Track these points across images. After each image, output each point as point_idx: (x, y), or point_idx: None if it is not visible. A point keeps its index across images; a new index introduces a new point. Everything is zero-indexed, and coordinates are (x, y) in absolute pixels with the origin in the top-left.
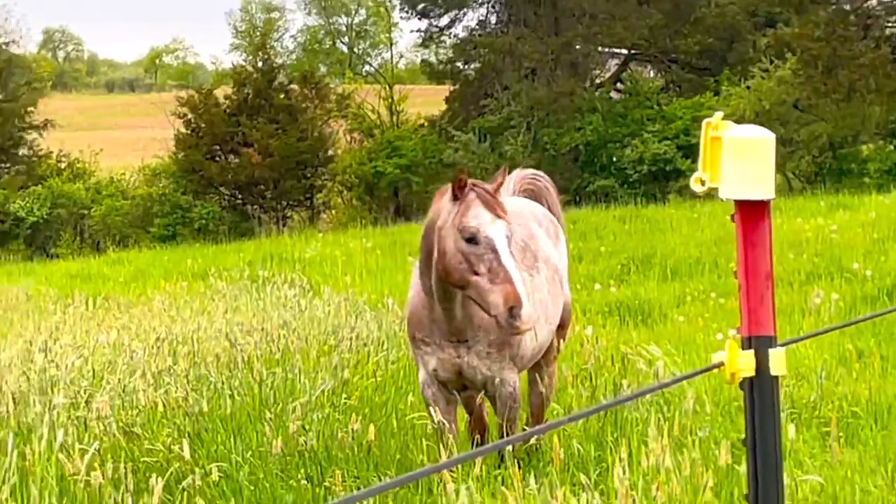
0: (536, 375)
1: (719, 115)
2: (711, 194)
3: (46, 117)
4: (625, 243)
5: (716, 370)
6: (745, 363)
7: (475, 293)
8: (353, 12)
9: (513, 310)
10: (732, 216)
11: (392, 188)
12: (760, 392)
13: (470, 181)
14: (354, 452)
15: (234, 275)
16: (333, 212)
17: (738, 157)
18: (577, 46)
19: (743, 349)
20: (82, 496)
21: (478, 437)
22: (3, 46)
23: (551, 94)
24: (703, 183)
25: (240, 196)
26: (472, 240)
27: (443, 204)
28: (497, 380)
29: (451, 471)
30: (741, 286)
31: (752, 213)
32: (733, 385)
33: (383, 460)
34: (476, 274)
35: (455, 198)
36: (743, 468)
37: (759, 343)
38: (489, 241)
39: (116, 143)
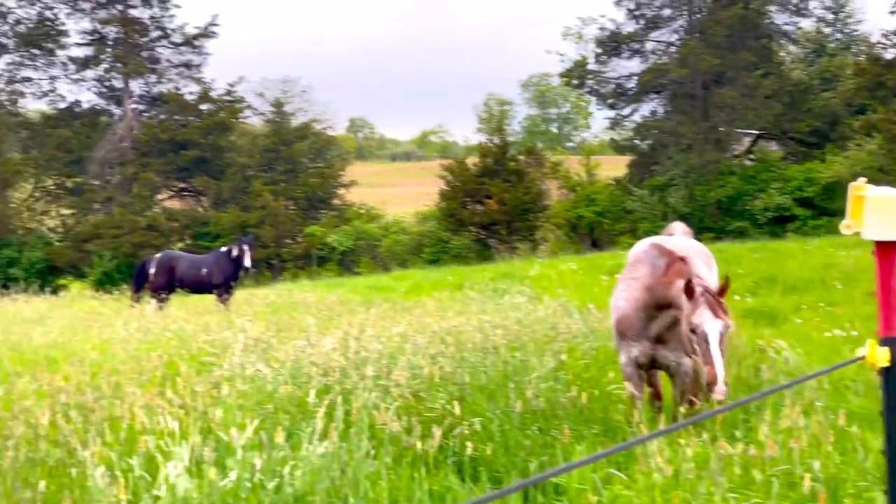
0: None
1: (863, 180)
2: (819, 234)
3: (351, 178)
4: (756, 267)
5: (857, 362)
6: (882, 356)
7: (694, 364)
8: (561, 105)
9: (710, 385)
10: (872, 252)
11: (589, 227)
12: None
13: (698, 288)
14: (571, 412)
15: (481, 287)
16: (548, 244)
17: (878, 209)
18: (721, 128)
19: (880, 346)
20: (387, 439)
21: (657, 402)
22: (323, 130)
23: (702, 161)
24: (850, 227)
25: (483, 232)
26: (694, 331)
27: (677, 293)
28: (677, 363)
29: (642, 425)
30: (880, 300)
31: (886, 249)
32: (871, 372)
33: (591, 418)
34: (695, 353)
35: (689, 297)
36: (855, 429)
37: (893, 342)
38: (705, 335)
39: (398, 196)
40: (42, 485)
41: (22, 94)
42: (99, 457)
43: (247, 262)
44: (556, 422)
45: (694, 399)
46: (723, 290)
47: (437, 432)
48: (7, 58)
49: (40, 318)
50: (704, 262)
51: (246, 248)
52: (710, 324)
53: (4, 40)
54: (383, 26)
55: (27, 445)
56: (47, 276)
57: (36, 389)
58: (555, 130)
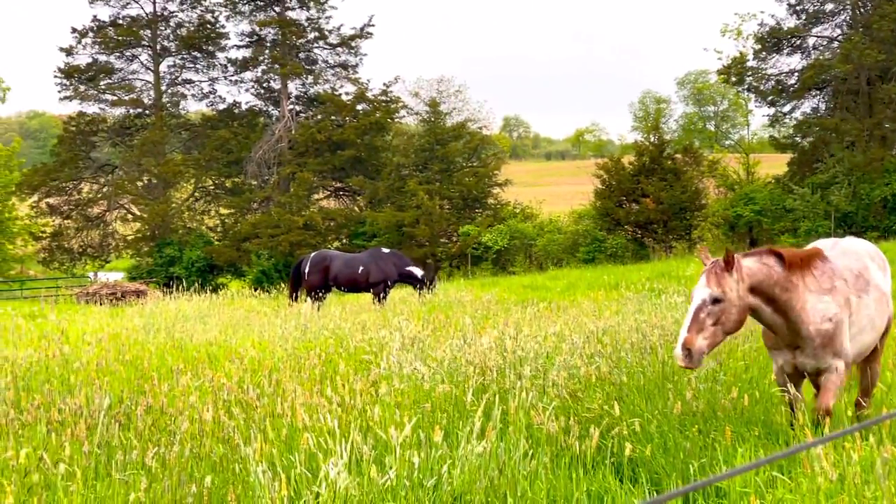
0: (866, 368)
1: None
2: None
3: (506, 177)
4: None
5: None
6: None
7: None
8: (719, 103)
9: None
10: None
11: (748, 226)
12: None
13: (711, 259)
14: (731, 413)
15: (637, 286)
16: (705, 243)
17: None
18: (886, 125)
19: None
20: (544, 439)
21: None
22: (479, 129)
23: (866, 159)
24: None
25: (639, 231)
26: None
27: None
28: (823, 367)
29: (806, 429)
30: None
31: None
32: None
33: (752, 419)
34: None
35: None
36: None
37: None
38: (692, 297)
39: (553, 195)
40: (208, 480)
41: (183, 97)
42: (261, 453)
43: (418, 274)
44: (716, 423)
45: (861, 402)
46: (728, 262)
47: (595, 433)
48: (169, 60)
49: (201, 316)
50: (879, 266)
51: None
52: (696, 290)
53: (167, 43)
54: (540, 25)
55: (192, 441)
56: (207, 274)
57: (199, 386)
58: (712, 128)
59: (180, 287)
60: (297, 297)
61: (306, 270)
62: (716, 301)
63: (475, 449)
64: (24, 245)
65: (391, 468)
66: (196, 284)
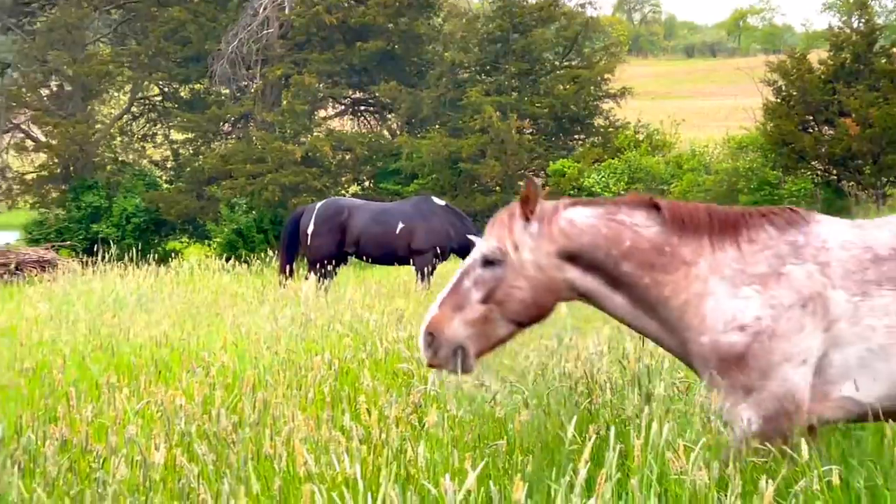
0: None
1: None
2: None
3: (623, 84)
4: None
5: None
6: None
7: None
8: None
9: None
10: None
11: None
12: None
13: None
14: None
15: None
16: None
17: None
18: None
19: None
20: (686, 497)
21: None
22: (579, 8)
23: None
24: None
25: (834, 171)
26: None
27: None
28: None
29: None
30: None
31: None
32: None
33: None
34: None
35: None
36: None
37: None
38: None
39: (697, 113)
40: None
41: None
42: None
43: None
44: None
45: None
46: (525, 202)
47: (769, 488)
48: None
49: (142, 302)
50: None
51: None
52: (472, 251)
53: None
54: None
55: (132, 495)
56: (150, 235)
57: (141, 411)
58: None
59: (108, 255)
60: (292, 272)
61: (310, 229)
62: (488, 263)
63: None
64: None
65: None
66: (133, 251)
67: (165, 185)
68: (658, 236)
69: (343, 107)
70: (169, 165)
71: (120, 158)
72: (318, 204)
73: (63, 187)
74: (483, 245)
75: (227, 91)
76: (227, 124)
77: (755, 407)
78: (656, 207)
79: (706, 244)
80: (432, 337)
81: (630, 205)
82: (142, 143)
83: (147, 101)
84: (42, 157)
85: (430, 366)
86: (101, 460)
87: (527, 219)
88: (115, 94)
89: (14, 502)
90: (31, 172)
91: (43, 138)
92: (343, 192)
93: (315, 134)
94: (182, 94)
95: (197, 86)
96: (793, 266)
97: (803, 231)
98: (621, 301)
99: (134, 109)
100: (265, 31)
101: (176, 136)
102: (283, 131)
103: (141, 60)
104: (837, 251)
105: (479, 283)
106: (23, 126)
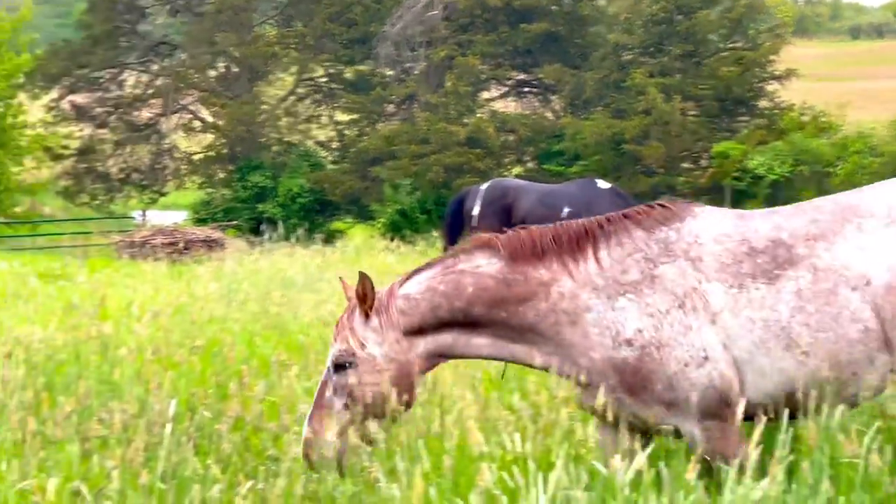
0: None
1: None
2: None
3: (787, 66)
4: None
5: None
6: None
7: None
8: None
9: None
10: None
11: None
12: None
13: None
14: None
15: None
16: None
17: None
18: None
19: None
20: (859, 479)
21: None
22: None
23: None
24: None
25: None
26: None
27: None
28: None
29: None
30: None
31: None
32: None
33: None
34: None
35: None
36: None
37: None
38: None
39: (863, 95)
40: None
41: None
42: (414, 494)
43: None
44: None
45: None
46: (362, 299)
47: None
48: None
49: (309, 282)
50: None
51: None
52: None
53: None
54: None
55: (304, 472)
56: (316, 215)
57: (310, 389)
58: None
59: (274, 235)
60: None
61: (475, 211)
62: (341, 367)
63: (751, 493)
64: (37, 167)
65: None
66: (300, 231)
67: (330, 166)
68: (503, 270)
69: (506, 88)
70: (333, 146)
71: (285, 139)
72: (484, 186)
73: (230, 167)
74: (332, 351)
75: (392, 73)
76: (391, 105)
77: (684, 416)
78: (489, 247)
79: (564, 261)
80: (309, 459)
81: (469, 251)
82: (307, 124)
83: (312, 83)
84: (209, 137)
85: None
86: (275, 438)
87: (367, 315)
88: (281, 75)
89: (189, 478)
90: (199, 153)
91: (210, 119)
92: (506, 173)
93: (478, 115)
94: (347, 75)
95: (361, 67)
96: (665, 266)
97: (675, 227)
98: (483, 341)
99: (300, 90)
100: (430, 13)
101: (340, 117)
102: (447, 113)
103: (307, 42)
104: (710, 245)
105: (338, 391)
106: (190, 107)
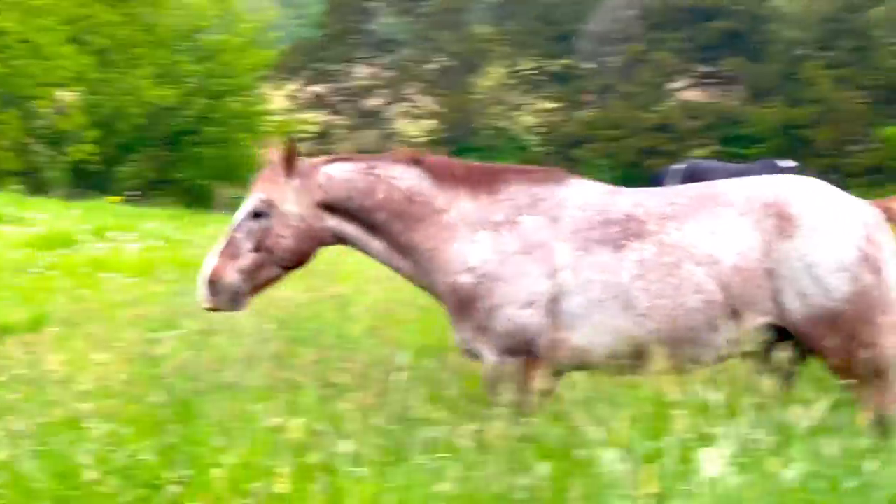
0: None
1: None
2: None
3: None
4: None
5: None
6: None
7: None
8: None
9: None
10: None
11: None
12: None
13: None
14: None
15: None
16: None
17: None
18: None
19: None
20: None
21: None
22: None
23: None
24: None
25: None
26: None
27: None
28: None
29: None
30: None
31: None
32: None
33: None
34: None
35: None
36: None
37: None
38: None
39: None
40: (543, 468)
41: None
42: (614, 437)
43: None
44: None
45: None
46: (287, 160)
47: None
48: None
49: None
50: (753, 222)
51: None
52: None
53: None
54: None
55: (523, 419)
56: None
57: None
58: None
59: None
60: None
61: None
62: (257, 215)
63: None
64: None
65: (795, 462)
66: None
67: (535, 148)
68: (412, 188)
69: (692, 80)
70: (539, 131)
71: (496, 125)
72: (681, 166)
73: (447, 149)
74: (251, 199)
75: (591, 66)
76: (590, 95)
77: (488, 344)
78: (418, 162)
79: (461, 194)
80: (213, 284)
81: (390, 159)
82: (514, 112)
83: (520, 75)
84: (429, 123)
85: (209, 309)
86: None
87: (288, 175)
88: (492, 68)
89: (417, 420)
90: (419, 136)
91: (430, 107)
92: (692, 154)
93: (668, 103)
94: (551, 68)
95: (565, 61)
96: (527, 217)
97: (550, 189)
98: (379, 245)
99: (509, 81)
100: (626, 13)
101: (545, 105)
102: (639, 101)
103: (516, 39)
104: (573, 210)
105: (249, 234)
106: (412, 96)
